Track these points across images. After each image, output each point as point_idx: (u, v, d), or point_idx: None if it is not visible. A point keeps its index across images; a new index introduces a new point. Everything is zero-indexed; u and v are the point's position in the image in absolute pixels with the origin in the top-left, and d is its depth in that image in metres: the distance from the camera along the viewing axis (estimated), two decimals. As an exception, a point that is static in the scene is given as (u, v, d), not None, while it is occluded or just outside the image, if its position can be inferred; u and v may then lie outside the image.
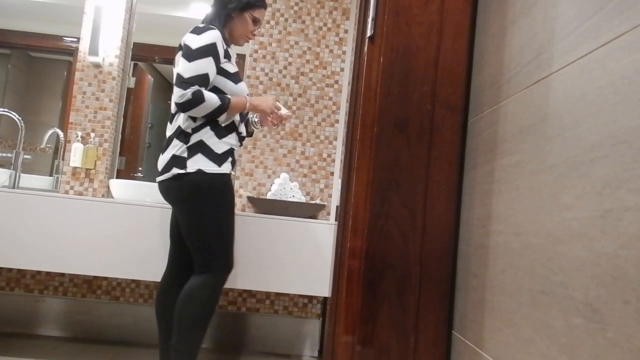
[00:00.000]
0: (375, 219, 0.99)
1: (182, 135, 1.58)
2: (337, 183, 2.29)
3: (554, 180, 0.66)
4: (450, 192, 1.00)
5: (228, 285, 1.96)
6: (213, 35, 1.58)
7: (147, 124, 2.57)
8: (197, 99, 1.51)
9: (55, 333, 2.28)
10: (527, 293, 0.70)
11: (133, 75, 2.49)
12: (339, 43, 2.45)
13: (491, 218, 0.85)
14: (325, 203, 2.33)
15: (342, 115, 2.38)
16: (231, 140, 1.65)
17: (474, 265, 0.91)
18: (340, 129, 2.39)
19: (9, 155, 2.41)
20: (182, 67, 1.54)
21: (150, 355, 2.10)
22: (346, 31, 2.45)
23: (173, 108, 1.63)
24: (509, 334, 0.75)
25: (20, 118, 2.34)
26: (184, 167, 1.55)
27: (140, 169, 2.52)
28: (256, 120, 1.83)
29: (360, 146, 1.01)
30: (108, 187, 2.38)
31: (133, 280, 2.32)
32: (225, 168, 1.61)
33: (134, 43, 2.46)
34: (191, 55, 1.54)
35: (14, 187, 2.30)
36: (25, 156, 2.42)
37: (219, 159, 1.59)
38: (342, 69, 2.44)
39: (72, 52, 2.47)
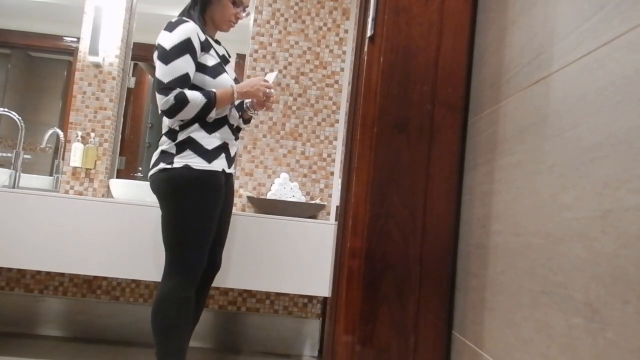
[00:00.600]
0: (375, 219, 0.99)
1: (170, 132, 1.55)
2: (337, 183, 2.29)
3: (554, 181, 0.66)
4: (450, 192, 1.00)
5: (228, 285, 1.97)
6: (186, 30, 1.50)
7: (147, 124, 2.57)
8: (181, 102, 1.46)
9: (55, 333, 2.28)
10: (527, 293, 0.70)
11: (133, 75, 2.49)
12: (339, 43, 2.45)
13: (491, 218, 0.85)
14: (325, 203, 2.33)
15: (342, 115, 2.38)
16: (223, 134, 1.59)
17: (474, 265, 0.91)
18: (340, 129, 2.39)
19: (9, 155, 2.41)
20: (160, 72, 1.48)
21: (150, 355, 2.10)
22: (346, 31, 2.45)
23: (160, 111, 1.58)
24: (509, 334, 0.75)
25: (20, 118, 2.34)
26: (170, 162, 1.50)
27: (140, 168, 2.52)
28: (248, 106, 1.73)
29: (360, 146, 1.01)
30: (108, 187, 2.38)
31: (133, 280, 2.32)
32: (217, 165, 1.54)
33: (134, 43, 2.47)
34: (167, 56, 1.48)
35: (14, 187, 2.31)
36: (26, 156, 2.42)
37: (209, 155, 1.53)
38: (342, 69, 2.44)
39: (72, 52, 2.47)
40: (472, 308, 0.90)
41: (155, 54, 1.54)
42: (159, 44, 1.51)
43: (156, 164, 1.55)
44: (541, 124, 0.71)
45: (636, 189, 0.50)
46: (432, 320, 0.98)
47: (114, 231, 1.93)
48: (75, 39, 2.44)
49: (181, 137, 1.53)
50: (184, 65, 1.49)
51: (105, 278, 2.32)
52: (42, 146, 2.41)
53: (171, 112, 1.47)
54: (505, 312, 0.77)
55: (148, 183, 2.14)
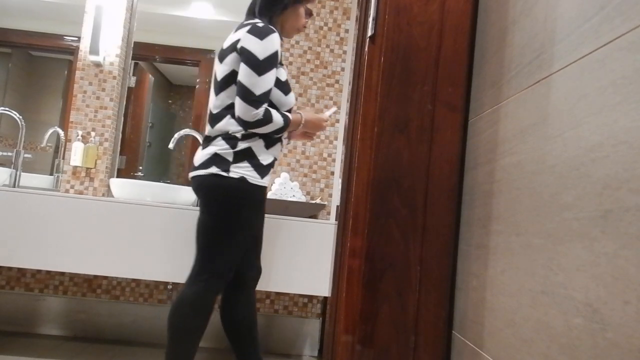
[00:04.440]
0: (376, 219, 0.99)
1: (229, 137, 1.50)
2: (337, 183, 2.29)
3: (555, 181, 0.66)
4: (451, 192, 1.00)
5: (228, 284, 1.97)
6: (275, 41, 1.49)
7: (147, 123, 2.57)
8: (267, 120, 1.47)
9: (56, 332, 2.28)
10: (527, 293, 0.70)
11: (134, 75, 2.49)
12: (339, 43, 2.45)
13: (491, 218, 0.85)
14: (326, 203, 2.33)
15: (343, 115, 2.38)
16: (276, 151, 1.60)
17: (474, 265, 0.91)
18: (341, 129, 2.39)
19: (10, 154, 2.41)
20: (252, 82, 1.45)
21: (150, 355, 2.11)
22: (347, 31, 2.45)
23: (215, 109, 1.55)
24: (509, 334, 0.75)
25: (21, 117, 2.34)
26: (226, 170, 1.47)
27: (140, 168, 2.52)
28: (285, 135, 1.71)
29: (361, 146, 1.01)
30: (108, 186, 2.38)
31: (133, 280, 2.33)
32: (266, 180, 1.55)
33: (135, 42, 2.47)
34: (260, 67, 1.46)
35: (14, 186, 2.31)
36: (26, 155, 2.42)
37: (263, 170, 1.53)
38: (342, 69, 2.44)
39: (73, 51, 2.47)
40: (472, 308, 0.90)
41: (234, 55, 1.51)
42: (248, 50, 1.47)
43: (206, 165, 1.50)
44: (542, 124, 0.71)
45: (636, 189, 0.50)
46: (432, 320, 0.98)
47: (114, 230, 1.93)
48: (76, 38, 2.44)
49: (241, 146, 1.50)
50: (271, 79, 1.49)
51: (105, 277, 2.32)
52: (42, 145, 2.41)
53: (253, 125, 1.47)
54: (505, 312, 0.77)
55: (148, 182, 2.15)
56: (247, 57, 1.47)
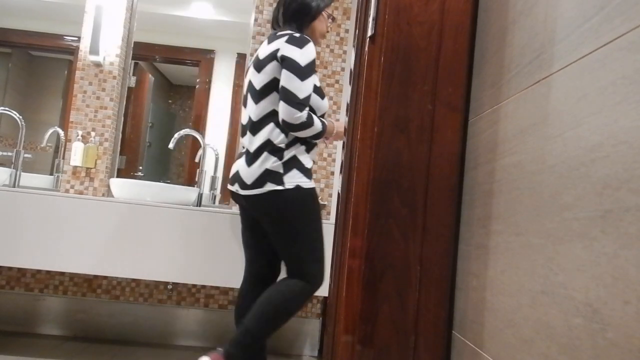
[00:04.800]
0: (376, 219, 0.99)
1: (274, 149, 1.57)
2: (337, 183, 2.29)
3: (555, 181, 0.66)
4: (451, 192, 1.00)
5: (229, 284, 1.97)
6: (313, 50, 1.59)
7: (147, 123, 2.57)
8: (309, 123, 1.54)
9: (55, 332, 2.28)
10: (527, 293, 0.70)
11: (134, 75, 2.49)
12: (339, 43, 2.45)
13: (491, 218, 0.85)
14: (326, 203, 2.33)
15: (343, 115, 2.38)
16: (314, 155, 1.69)
17: (474, 265, 0.91)
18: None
19: (10, 154, 2.41)
20: (296, 86, 1.53)
21: (150, 354, 2.11)
22: (347, 31, 2.45)
23: (256, 117, 1.61)
24: (509, 334, 0.75)
25: (20, 117, 2.34)
26: (280, 183, 1.54)
27: (140, 168, 2.52)
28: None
29: (361, 146, 1.01)
30: (108, 186, 2.38)
31: (133, 279, 2.32)
32: (313, 182, 1.63)
33: (135, 42, 2.47)
34: (303, 72, 1.54)
35: (14, 186, 2.31)
36: (26, 155, 2.42)
37: (308, 173, 1.62)
38: (342, 69, 2.44)
39: (73, 51, 2.47)
40: (472, 308, 0.90)
41: (275, 64, 1.58)
42: (288, 57, 1.56)
43: (261, 183, 1.56)
44: (542, 124, 0.71)
45: (636, 189, 0.50)
46: (432, 320, 0.98)
47: (114, 230, 1.93)
48: (76, 38, 2.44)
49: (287, 155, 1.57)
50: (312, 84, 1.57)
51: (105, 277, 2.32)
52: (42, 145, 2.41)
53: (296, 127, 1.54)
54: (505, 312, 0.77)
55: (148, 182, 2.14)
56: (289, 64, 1.55)
